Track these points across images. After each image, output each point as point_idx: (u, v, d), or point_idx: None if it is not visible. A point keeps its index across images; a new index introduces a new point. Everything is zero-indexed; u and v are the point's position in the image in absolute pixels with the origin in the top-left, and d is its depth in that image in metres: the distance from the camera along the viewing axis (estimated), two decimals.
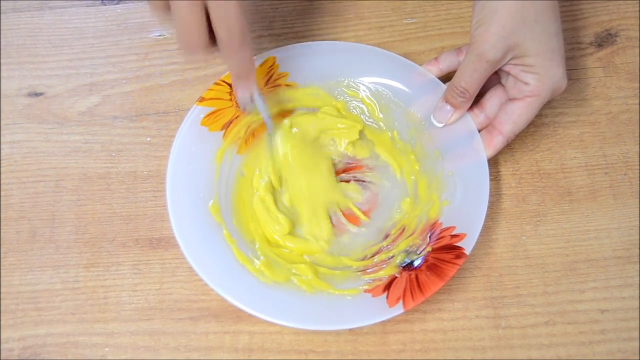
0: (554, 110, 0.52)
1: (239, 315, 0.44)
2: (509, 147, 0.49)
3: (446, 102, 0.47)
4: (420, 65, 0.50)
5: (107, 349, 0.44)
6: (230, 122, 0.49)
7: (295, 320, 0.41)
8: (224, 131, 0.48)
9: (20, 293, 0.46)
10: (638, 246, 0.47)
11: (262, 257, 0.45)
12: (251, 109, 0.48)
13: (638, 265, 0.46)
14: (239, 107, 0.48)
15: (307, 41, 0.54)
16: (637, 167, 0.49)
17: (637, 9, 0.55)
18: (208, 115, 0.48)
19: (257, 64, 0.50)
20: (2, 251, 0.48)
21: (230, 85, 0.49)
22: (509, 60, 0.45)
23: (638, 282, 0.45)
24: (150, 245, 0.48)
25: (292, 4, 0.57)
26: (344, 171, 0.50)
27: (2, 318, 0.46)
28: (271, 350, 0.44)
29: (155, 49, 0.55)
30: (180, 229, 0.44)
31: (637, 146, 0.50)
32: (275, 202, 0.48)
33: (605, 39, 0.54)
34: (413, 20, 0.56)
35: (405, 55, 0.51)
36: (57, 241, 0.48)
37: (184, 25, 0.39)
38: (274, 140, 0.49)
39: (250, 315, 0.41)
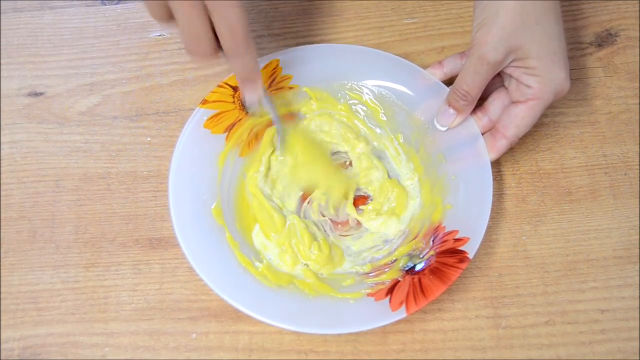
0: (554, 110, 0.52)
1: (239, 315, 0.44)
2: None
3: (449, 105, 0.47)
4: (424, 68, 0.50)
5: (107, 349, 0.44)
6: (234, 124, 0.49)
7: (297, 323, 0.41)
8: (226, 134, 0.48)
9: (20, 293, 0.46)
10: (638, 246, 0.47)
11: (264, 260, 0.45)
12: (257, 112, 0.48)
13: (638, 265, 0.46)
14: (244, 110, 0.49)
15: (307, 41, 0.54)
16: (637, 167, 0.49)
17: (637, 9, 0.55)
18: (211, 117, 0.48)
19: (260, 66, 0.50)
20: (2, 251, 0.48)
21: (233, 87, 0.49)
22: (510, 63, 0.44)
23: (638, 282, 0.45)
24: (150, 245, 0.48)
25: (292, 4, 0.57)
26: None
27: (2, 318, 0.46)
28: (271, 350, 0.44)
29: (155, 49, 0.55)
30: (183, 232, 0.44)
31: (637, 146, 0.50)
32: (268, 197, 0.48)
33: (605, 39, 0.54)
34: (413, 20, 0.56)
35: (406, 55, 0.51)
36: (57, 241, 0.48)
37: (190, 33, 0.39)
38: (282, 138, 0.49)
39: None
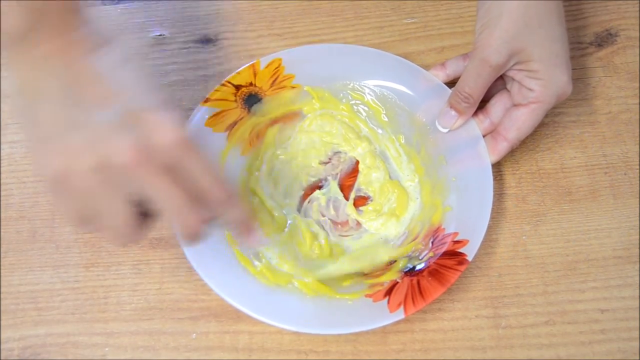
0: (554, 110, 0.51)
1: (239, 315, 0.44)
2: None
3: (451, 107, 0.47)
4: (424, 68, 0.50)
5: (107, 348, 0.44)
6: (235, 123, 0.49)
7: (295, 323, 0.41)
8: (228, 132, 0.48)
9: (20, 293, 0.46)
10: (638, 246, 0.47)
11: (263, 260, 0.45)
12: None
13: (638, 265, 0.46)
14: (246, 109, 0.49)
15: (307, 41, 0.54)
16: (637, 167, 0.49)
17: (637, 9, 0.55)
18: (213, 116, 0.48)
19: (263, 65, 0.50)
20: (2, 251, 0.48)
21: (235, 86, 0.49)
22: (513, 65, 0.44)
23: (638, 282, 0.45)
24: (150, 245, 0.48)
25: (292, 4, 0.57)
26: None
27: (2, 318, 0.46)
28: (271, 350, 0.44)
29: (155, 49, 0.55)
30: None
31: (637, 146, 0.50)
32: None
33: (605, 39, 0.54)
34: (413, 20, 0.56)
35: (405, 55, 0.51)
36: (57, 241, 0.48)
37: (180, 209, 0.34)
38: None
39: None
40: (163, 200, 0.34)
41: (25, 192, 0.50)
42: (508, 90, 0.47)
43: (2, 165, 0.51)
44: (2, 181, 0.50)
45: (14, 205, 0.49)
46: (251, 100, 0.49)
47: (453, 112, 0.47)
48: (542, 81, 0.44)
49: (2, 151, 0.51)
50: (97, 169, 0.32)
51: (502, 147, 0.46)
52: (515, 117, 0.45)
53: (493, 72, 0.44)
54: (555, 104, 0.45)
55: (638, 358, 0.43)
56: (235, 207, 0.37)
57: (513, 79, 0.46)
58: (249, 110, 0.49)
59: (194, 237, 0.36)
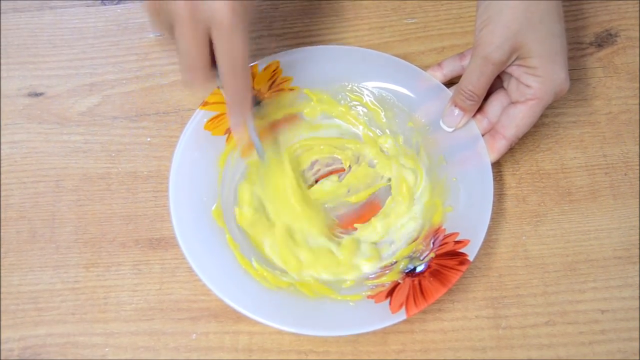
0: (554, 110, 0.52)
1: (239, 316, 0.44)
2: None
3: (455, 106, 0.47)
4: (424, 68, 0.50)
5: (107, 349, 0.44)
6: None
7: (297, 325, 0.41)
8: (227, 135, 0.48)
9: (20, 293, 0.46)
10: (638, 246, 0.47)
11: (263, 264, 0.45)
12: (245, 141, 0.48)
13: (638, 265, 0.46)
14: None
15: (307, 41, 0.54)
16: (637, 167, 0.49)
17: (637, 9, 0.55)
18: (211, 119, 0.48)
19: (260, 68, 0.50)
20: (2, 251, 0.48)
21: None
22: (513, 61, 0.45)
23: (638, 282, 0.45)
24: (150, 245, 0.48)
25: (292, 4, 0.57)
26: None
27: (2, 318, 0.46)
28: (271, 351, 0.44)
29: (155, 49, 0.55)
30: (183, 234, 0.43)
31: (637, 146, 0.50)
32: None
33: (605, 39, 0.54)
34: (413, 20, 0.56)
35: (406, 56, 0.51)
36: (57, 241, 0.48)
37: (188, 62, 0.40)
38: (265, 165, 0.48)
39: None
40: (181, 47, 0.39)
41: (25, 192, 0.50)
42: (504, 89, 0.47)
43: (2, 165, 0.51)
44: (2, 181, 0.50)
45: (14, 205, 0.49)
46: None
47: (457, 111, 0.47)
48: (540, 78, 0.44)
49: (2, 151, 0.51)
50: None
51: (501, 145, 0.46)
52: (513, 114, 0.45)
53: (495, 69, 0.44)
54: (552, 101, 0.45)
55: (638, 358, 0.43)
56: (236, 84, 0.41)
57: (511, 76, 0.46)
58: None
59: (190, 85, 0.41)
